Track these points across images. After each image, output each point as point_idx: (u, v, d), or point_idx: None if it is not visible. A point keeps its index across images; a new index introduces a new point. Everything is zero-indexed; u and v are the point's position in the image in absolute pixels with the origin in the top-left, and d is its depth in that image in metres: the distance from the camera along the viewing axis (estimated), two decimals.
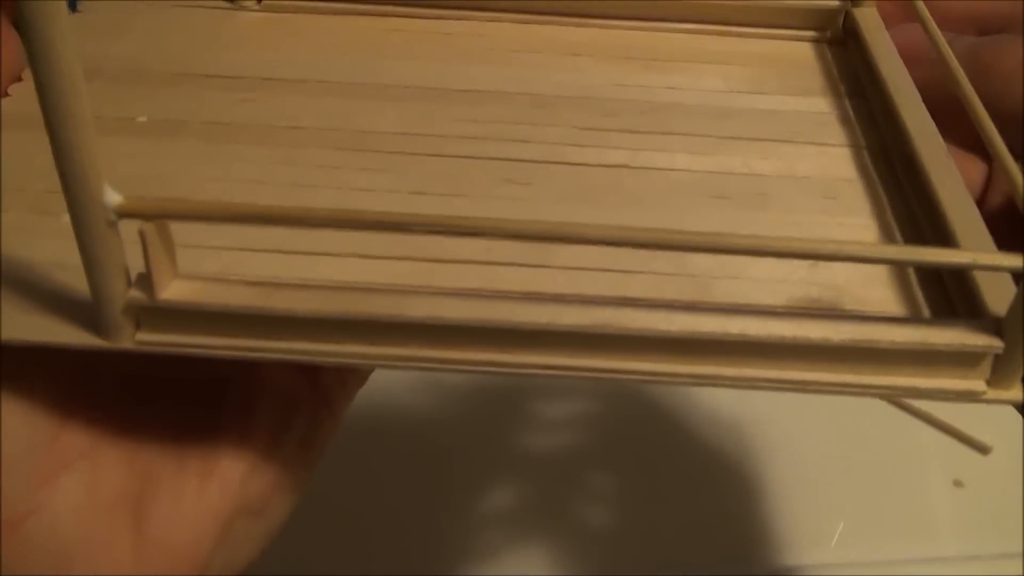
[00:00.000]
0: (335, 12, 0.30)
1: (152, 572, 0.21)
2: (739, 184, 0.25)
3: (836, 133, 0.27)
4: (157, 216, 0.17)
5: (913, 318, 0.21)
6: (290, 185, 0.23)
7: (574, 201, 0.24)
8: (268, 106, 0.26)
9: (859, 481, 0.45)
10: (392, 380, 0.47)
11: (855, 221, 0.24)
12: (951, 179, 0.23)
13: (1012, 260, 0.18)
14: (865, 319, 0.20)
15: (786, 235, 0.22)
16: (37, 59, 0.16)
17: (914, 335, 0.19)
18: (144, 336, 0.19)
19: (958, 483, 0.46)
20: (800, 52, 0.30)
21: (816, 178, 0.25)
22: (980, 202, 0.27)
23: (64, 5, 0.16)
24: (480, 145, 0.25)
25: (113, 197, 0.17)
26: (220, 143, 0.24)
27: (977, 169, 0.27)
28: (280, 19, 0.30)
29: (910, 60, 0.27)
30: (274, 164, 0.23)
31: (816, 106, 0.28)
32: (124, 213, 0.17)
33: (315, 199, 0.23)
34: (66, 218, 0.17)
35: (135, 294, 0.18)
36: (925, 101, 0.27)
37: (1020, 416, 0.47)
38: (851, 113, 0.28)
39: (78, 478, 0.21)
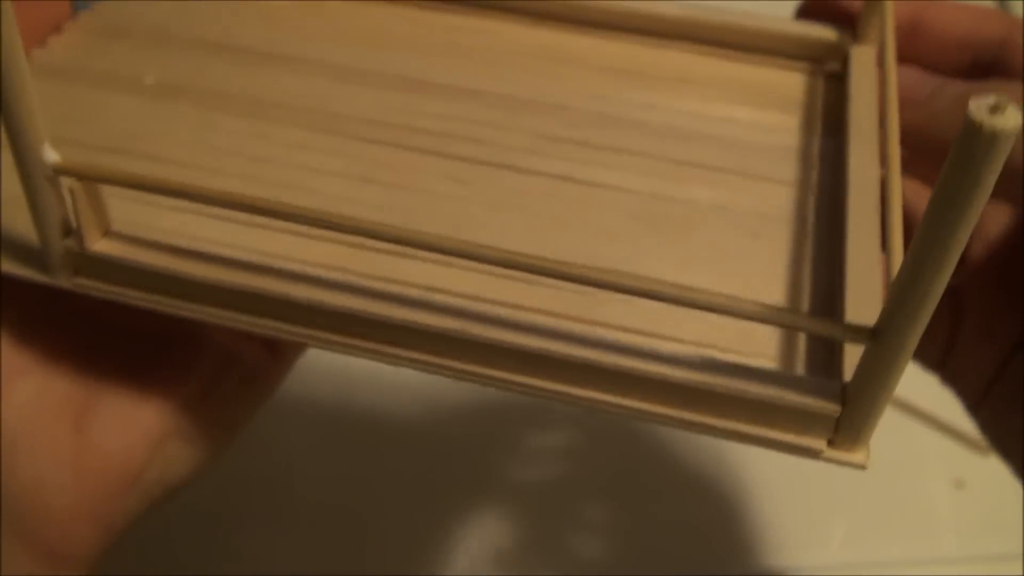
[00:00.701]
0: None
1: (88, 470, 0.24)
2: (669, 210, 0.25)
3: (791, 170, 0.27)
4: (87, 178, 0.21)
5: (763, 371, 0.21)
6: (252, 159, 0.26)
7: (504, 208, 0.25)
8: (262, 82, 0.28)
9: (859, 481, 0.45)
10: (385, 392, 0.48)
11: (762, 264, 0.24)
12: (867, 237, 0.23)
13: (855, 333, 0.19)
14: (715, 364, 0.21)
15: (687, 268, 0.24)
16: None
17: (754, 387, 0.20)
18: (80, 280, 0.22)
19: (958, 483, 0.45)
20: (791, 83, 0.30)
21: (748, 214, 0.26)
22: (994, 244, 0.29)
23: None
24: (438, 141, 0.27)
25: (51, 155, 0.20)
26: (208, 111, 0.27)
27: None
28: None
29: (903, 103, 0.27)
30: (247, 137, 0.26)
31: (783, 140, 0.28)
32: (60, 171, 0.20)
33: (270, 173, 0.25)
34: None
35: (68, 243, 0.22)
36: (917, 144, 0.27)
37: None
38: (817, 151, 0.28)
39: (31, 382, 0.24)
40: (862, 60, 0.29)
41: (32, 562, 0.23)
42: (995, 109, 0.15)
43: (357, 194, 0.25)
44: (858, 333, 0.19)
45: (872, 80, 0.29)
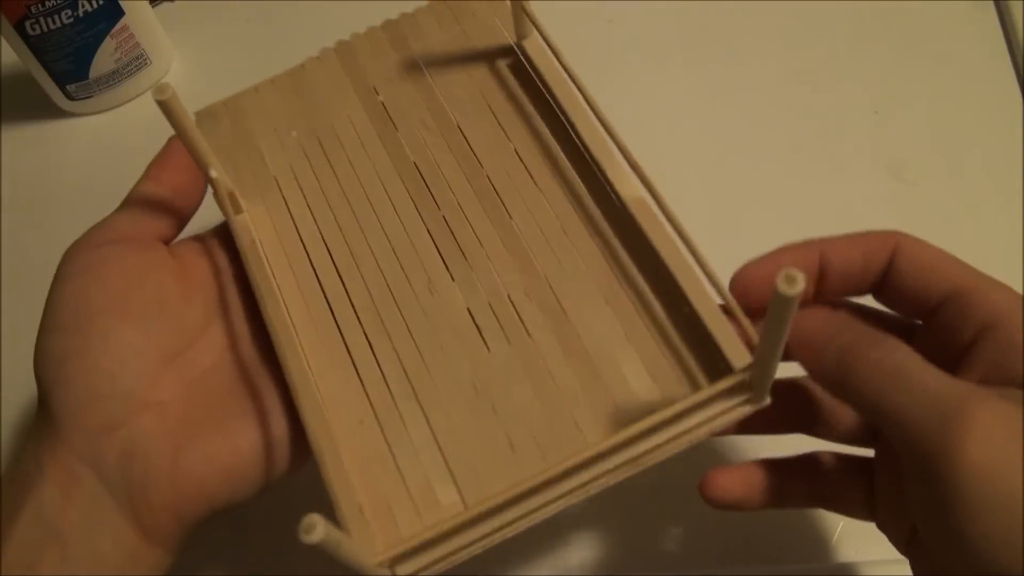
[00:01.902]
0: None
1: (179, 484, 0.34)
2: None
3: None
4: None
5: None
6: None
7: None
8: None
9: None
10: None
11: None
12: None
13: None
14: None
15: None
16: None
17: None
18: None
19: None
20: None
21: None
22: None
23: None
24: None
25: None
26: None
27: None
28: None
29: (808, 345, 0.33)
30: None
31: None
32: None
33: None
34: None
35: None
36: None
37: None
38: None
39: (151, 417, 0.35)
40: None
41: (135, 537, 0.33)
42: (789, 280, 0.25)
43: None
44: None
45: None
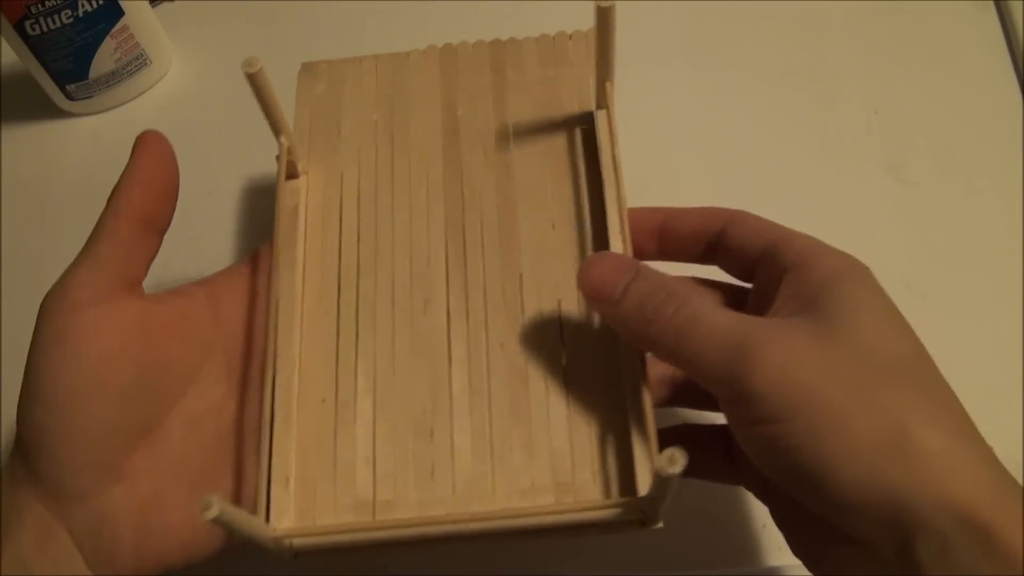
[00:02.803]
0: None
1: (141, 550, 0.36)
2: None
3: None
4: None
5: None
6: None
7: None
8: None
9: None
10: None
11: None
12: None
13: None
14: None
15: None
16: None
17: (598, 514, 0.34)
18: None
19: None
20: None
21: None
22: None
23: None
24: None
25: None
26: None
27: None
28: None
29: (600, 297, 0.36)
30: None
31: None
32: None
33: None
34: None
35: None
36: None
37: (1020, 416, 0.47)
38: None
39: (122, 493, 0.37)
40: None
41: None
42: (671, 461, 0.28)
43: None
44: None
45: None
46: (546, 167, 0.43)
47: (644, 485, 0.35)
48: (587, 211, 0.42)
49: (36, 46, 0.56)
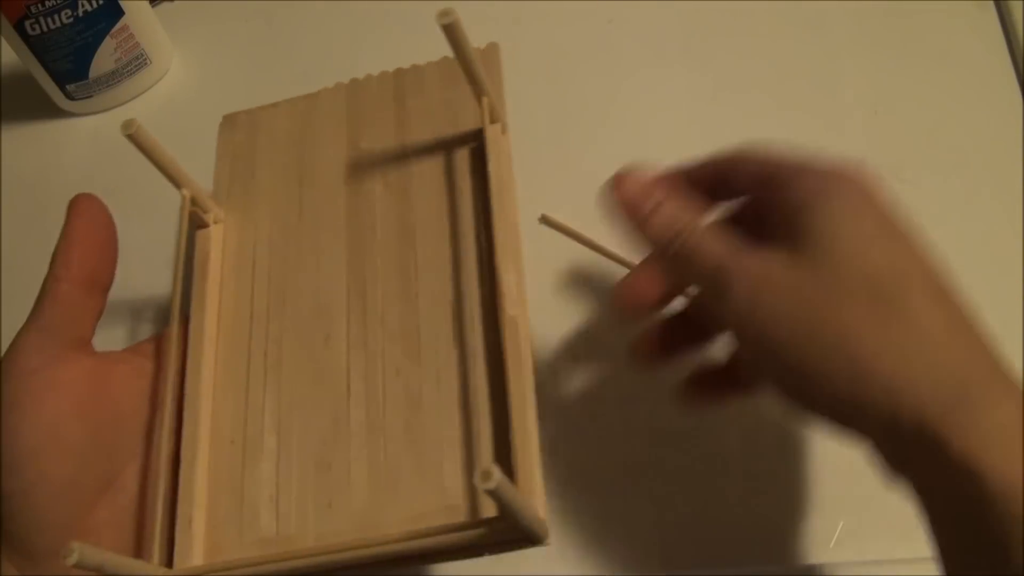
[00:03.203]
0: None
1: None
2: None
3: None
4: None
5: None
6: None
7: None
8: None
9: (859, 481, 0.44)
10: None
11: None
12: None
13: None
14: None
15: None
16: None
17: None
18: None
19: None
20: None
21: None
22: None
23: None
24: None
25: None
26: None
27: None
28: None
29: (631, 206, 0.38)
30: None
31: None
32: None
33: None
34: None
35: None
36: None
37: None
38: None
39: None
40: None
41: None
42: (485, 476, 0.28)
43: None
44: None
45: None
46: (442, 187, 0.44)
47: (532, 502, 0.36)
48: (479, 228, 0.42)
49: (36, 46, 0.56)
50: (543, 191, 0.53)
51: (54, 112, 0.62)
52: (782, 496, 0.46)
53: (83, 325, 0.40)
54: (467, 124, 0.45)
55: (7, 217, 0.59)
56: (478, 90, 0.42)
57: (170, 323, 0.42)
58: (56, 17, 0.55)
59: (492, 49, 0.46)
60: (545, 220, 0.53)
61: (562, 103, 0.57)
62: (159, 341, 0.43)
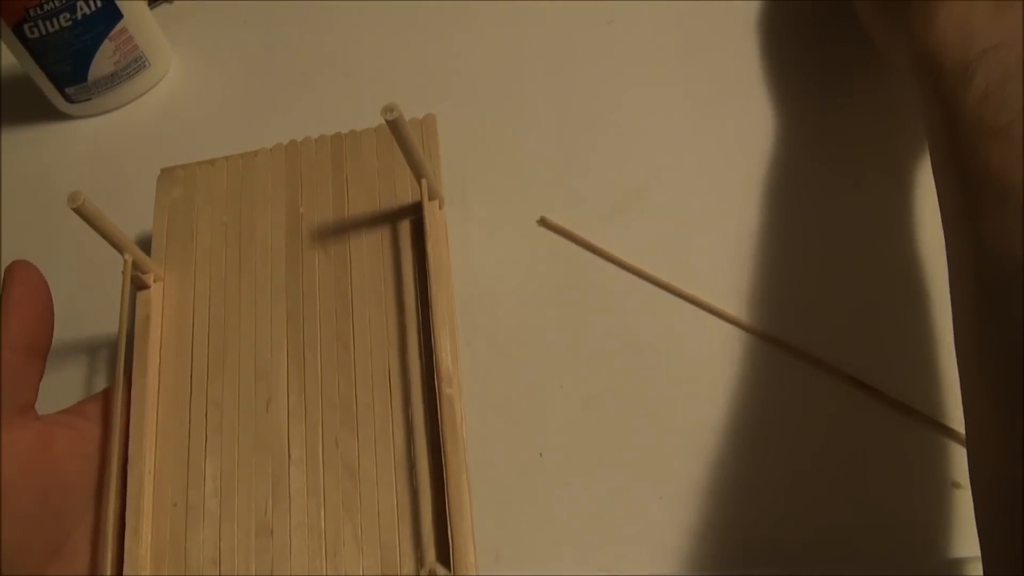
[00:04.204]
0: None
1: None
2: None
3: None
4: None
5: None
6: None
7: None
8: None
9: (858, 481, 0.44)
10: None
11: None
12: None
13: None
14: None
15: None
16: None
17: None
18: None
19: (957, 484, 0.45)
20: None
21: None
22: None
23: None
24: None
25: None
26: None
27: None
28: None
29: None
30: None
31: None
32: None
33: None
34: None
35: None
36: None
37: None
38: None
39: None
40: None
41: None
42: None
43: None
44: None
45: None
46: (380, 259, 0.45)
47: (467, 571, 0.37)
48: (416, 301, 0.43)
49: (35, 49, 0.56)
50: (543, 192, 0.53)
51: (53, 115, 0.62)
52: (780, 496, 0.45)
53: (26, 391, 0.40)
54: (405, 193, 0.46)
55: (7, 219, 0.59)
56: (418, 173, 0.43)
57: (114, 385, 0.42)
58: (55, 20, 0.55)
59: (429, 120, 0.48)
60: (544, 222, 0.53)
61: (562, 103, 0.57)
62: (105, 401, 0.44)
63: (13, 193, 0.60)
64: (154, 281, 0.46)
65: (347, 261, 0.45)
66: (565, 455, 0.47)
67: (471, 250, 0.51)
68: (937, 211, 0.50)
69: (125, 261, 0.44)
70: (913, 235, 0.53)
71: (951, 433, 0.46)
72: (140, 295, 0.46)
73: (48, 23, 0.55)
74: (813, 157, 0.55)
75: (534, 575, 0.45)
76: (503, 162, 0.55)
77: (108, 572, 0.39)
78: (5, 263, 0.57)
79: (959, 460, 0.45)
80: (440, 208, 0.45)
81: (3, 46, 0.58)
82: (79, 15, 0.55)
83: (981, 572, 0.42)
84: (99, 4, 0.55)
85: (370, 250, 0.45)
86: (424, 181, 0.43)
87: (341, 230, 0.46)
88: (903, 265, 0.51)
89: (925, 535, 0.44)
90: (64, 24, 0.55)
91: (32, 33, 0.55)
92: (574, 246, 0.52)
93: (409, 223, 0.45)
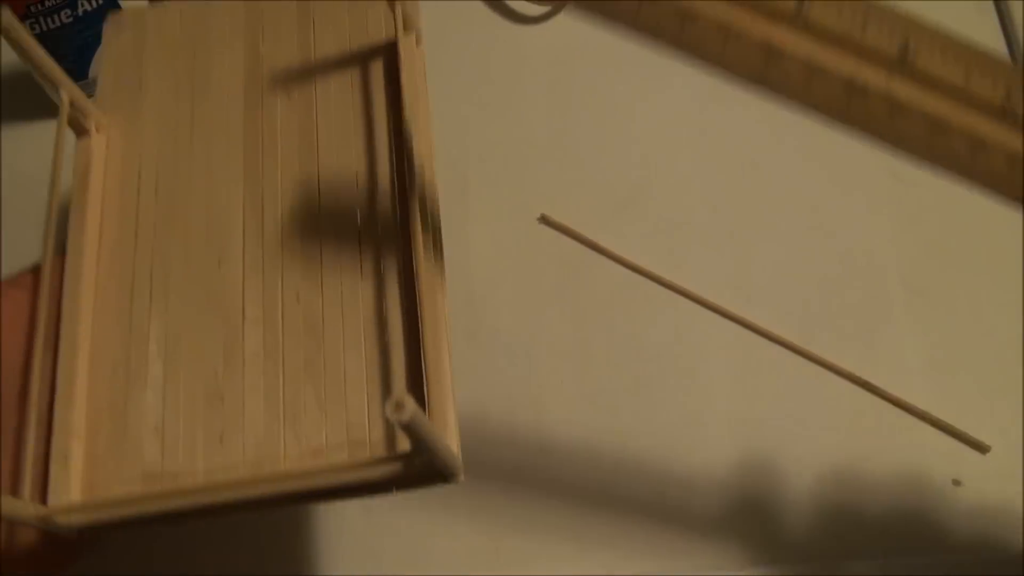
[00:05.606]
0: None
1: None
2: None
3: None
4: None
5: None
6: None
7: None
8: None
9: (858, 480, 0.45)
10: None
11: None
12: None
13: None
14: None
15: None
16: None
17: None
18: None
19: (957, 482, 0.45)
20: None
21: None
22: None
23: None
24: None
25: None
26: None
27: None
28: None
29: None
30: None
31: None
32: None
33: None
34: None
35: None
36: None
37: (1020, 415, 0.47)
38: None
39: None
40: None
41: None
42: (397, 407, 0.25)
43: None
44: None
45: None
46: (350, 103, 0.41)
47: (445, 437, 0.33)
48: (390, 146, 0.39)
49: None
50: (543, 189, 0.53)
51: (54, 112, 0.62)
52: (780, 496, 0.46)
53: None
54: (377, 33, 0.42)
55: (7, 217, 0.59)
56: None
57: (45, 241, 0.38)
58: (56, 17, 0.55)
59: None
60: (545, 220, 0.53)
61: (562, 103, 0.57)
62: (38, 270, 0.40)
63: (13, 190, 0.60)
64: (97, 131, 0.42)
65: (313, 106, 0.41)
66: (565, 453, 0.47)
67: (471, 248, 0.51)
68: (938, 211, 0.50)
69: (62, 99, 0.39)
70: (913, 235, 0.53)
71: (951, 433, 0.46)
72: (80, 143, 0.41)
73: (49, 19, 0.55)
74: (813, 156, 0.55)
75: (534, 575, 0.45)
76: (504, 159, 0.55)
77: (31, 440, 0.35)
78: (5, 263, 0.57)
79: (959, 459, 0.46)
80: (418, 45, 0.41)
81: (4, 42, 0.58)
82: (80, 11, 0.55)
83: (982, 570, 0.42)
84: (100, 1, 0.55)
85: (338, 93, 0.41)
86: (398, 4, 0.40)
87: (306, 72, 0.42)
88: (903, 265, 0.52)
89: (925, 534, 0.44)
90: (65, 20, 0.55)
91: (33, 29, 0.55)
92: (575, 244, 0.52)
93: (382, 63, 0.41)
